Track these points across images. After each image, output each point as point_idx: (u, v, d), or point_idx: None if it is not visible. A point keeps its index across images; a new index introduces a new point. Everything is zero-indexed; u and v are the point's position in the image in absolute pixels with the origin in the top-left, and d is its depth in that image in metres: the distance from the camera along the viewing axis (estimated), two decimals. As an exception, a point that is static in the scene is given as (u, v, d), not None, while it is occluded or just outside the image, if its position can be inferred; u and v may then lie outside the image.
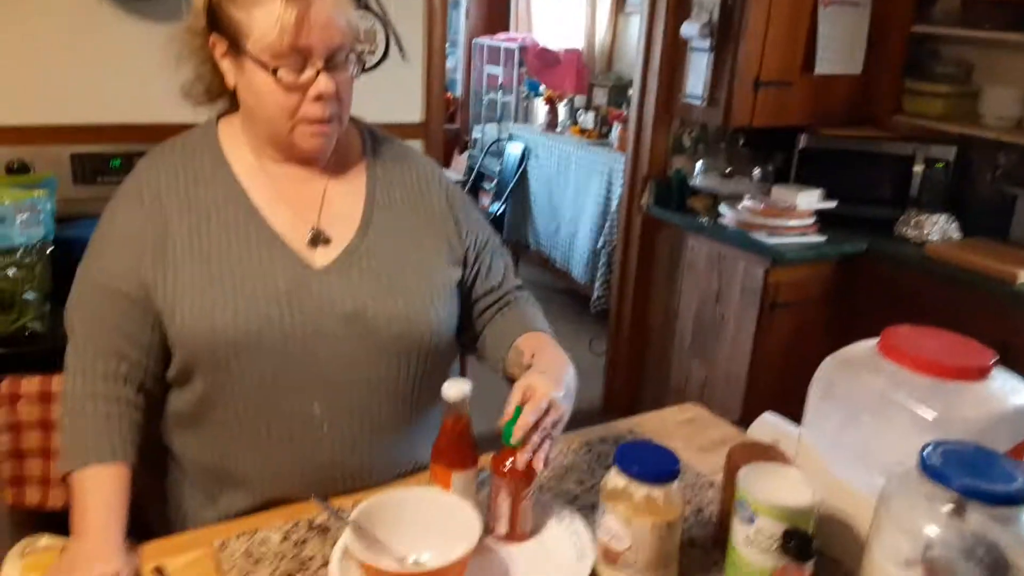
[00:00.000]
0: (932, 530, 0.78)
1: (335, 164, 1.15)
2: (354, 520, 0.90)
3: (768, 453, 1.00)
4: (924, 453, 0.80)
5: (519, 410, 0.95)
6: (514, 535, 1.00)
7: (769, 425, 1.48)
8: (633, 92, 3.10)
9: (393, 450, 1.14)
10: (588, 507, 1.10)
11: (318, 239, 1.10)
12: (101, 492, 0.98)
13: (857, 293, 2.77)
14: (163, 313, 1.05)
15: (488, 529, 0.99)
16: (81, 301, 1.08)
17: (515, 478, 0.97)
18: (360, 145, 1.20)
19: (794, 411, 1.44)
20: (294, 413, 1.07)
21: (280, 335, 1.04)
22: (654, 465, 0.90)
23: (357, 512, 0.91)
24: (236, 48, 1.01)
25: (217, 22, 1.02)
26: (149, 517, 1.19)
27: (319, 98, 1.02)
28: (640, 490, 0.90)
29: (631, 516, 0.89)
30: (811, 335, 2.78)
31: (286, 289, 1.05)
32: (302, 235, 1.10)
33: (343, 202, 1.14)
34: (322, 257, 1.10)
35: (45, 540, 0.99)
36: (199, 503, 1.14)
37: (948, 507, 0.77)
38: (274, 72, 1.00)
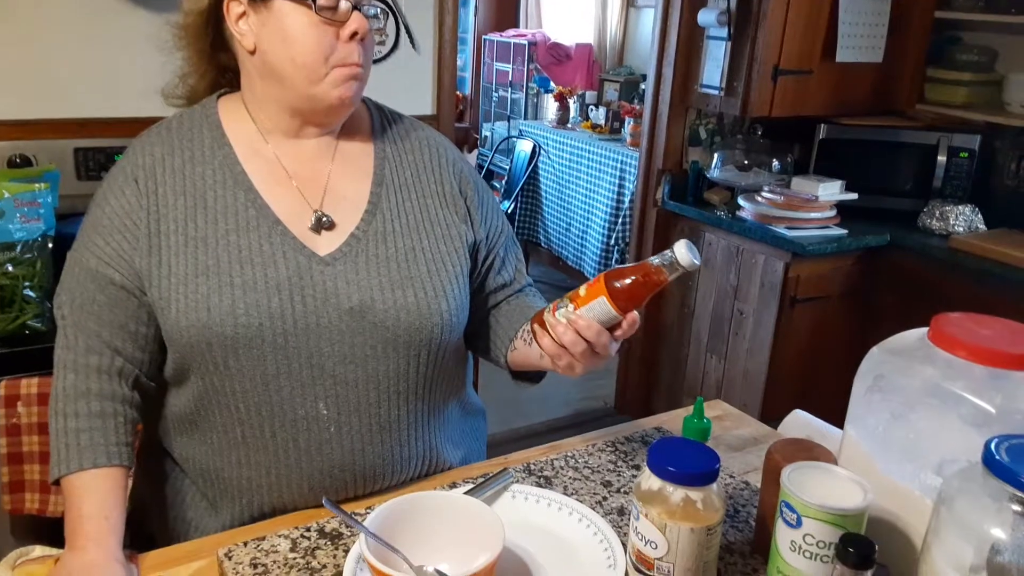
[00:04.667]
0: (999, 533, 0.71)
1: (341, 142, 1.09)
2: (368, 526, 0.83)
3: (812, 451, 0.93)
4: (990, 447, 0.73)
5: None
6: None
7: (800, 422, 1.41)
8: (648, 83, 3.03)
9: (406, 451, 1.08)
10: (615, 511, 1.04)
11: (321, 223, 1.03)
12: (97, 499, 0.92)
13: (880, 287, 2.70)
14: (156, 306, 0.98)
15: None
16: (71, 288, 1.01)
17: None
18: (368, 122, 1.13)
19: (817, 409, 1.38)
20: (299, 414, 1.00)
21: (281, 329, 0.97)
22: (692, 464, 0.83)
23: (371, 517, 0.84)
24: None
25: None
26: (151, 526, 1.13)
27: (353, 36, 0.98)
28: (677, 492, 0.83)
29: (667, 520, 0.83)
30: (833, 331, 2.72)
31: (287, 278, 0.99)
32: (305, 219, 1.03)
33: (349, 183, 1.07)
34: (327, 243, 1.03)
35: (39, 550, 0.93)
36: (203, 512, 1.08)
37: (1017, 507, 0.71)
38: (313, 1, 0.95)
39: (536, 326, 0.98)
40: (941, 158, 2.76)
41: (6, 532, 1.58)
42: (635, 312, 0.93)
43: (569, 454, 1.17)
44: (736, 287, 2.77)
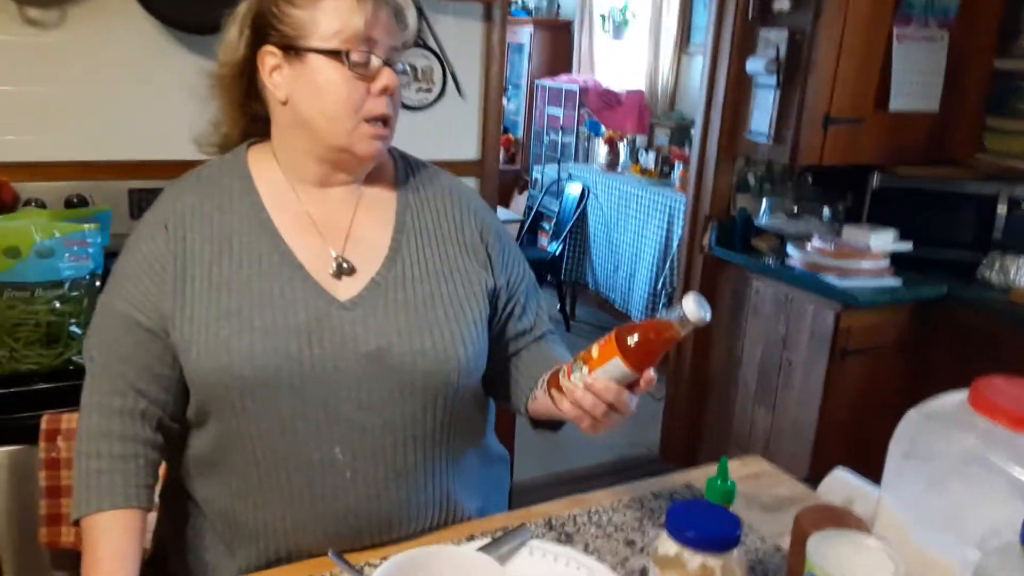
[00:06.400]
0: (1040, 618, 0.66)
1: (365, 189, 1.11)
2: (377, 579, 0.82)
3: (842, 518, 0.89)
4: (1030, 526, 0.69)
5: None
6: None
7: (842, 482, 1.35)
8: (696, 130, 3.02)
9: (422, 498, 1.07)
10: (637, 572, 1.00)
11: (342, 269, 1.05)
12: (112, 540, 0.93)
13: (935, 341, 2.60)
14: (178, 348, 1.00)
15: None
16: (100, 331, 1.04)
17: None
18: (392, 171, 1.15)
19: (867, 466, 1.32)
20: (314, 458, 1.00)
21: (298, 372, 0.98)
22: (711, 529, 0.80)
23: (379, 572, 0.83)
24: (294, 51, 1.00)
25: (267, 34, 1.02)
26: (173, 566, 1.14)
27: (384, 92, 1.01)
28: (695, 559, 0.80)
29: (684, 587, 0.79)
30: (885, 384, 2.62)
31: (307, 322, 1.00)
32: (327, 265, 1.05)
33: (371, 230, 1.09)
34: (347, 289, 1.04)
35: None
36: (220, 554, 1.08)
37: (1060, 592, 0.66)
38: (347, 55, 0.98)
39: (554, 391, 0.96)
40: (1001, 209, 2.66)
41: (47, 566, 1.60)
42: (651, 370, 0.91)
43: (593, 509, 1.14)
44: (785, 336, 2.71)
